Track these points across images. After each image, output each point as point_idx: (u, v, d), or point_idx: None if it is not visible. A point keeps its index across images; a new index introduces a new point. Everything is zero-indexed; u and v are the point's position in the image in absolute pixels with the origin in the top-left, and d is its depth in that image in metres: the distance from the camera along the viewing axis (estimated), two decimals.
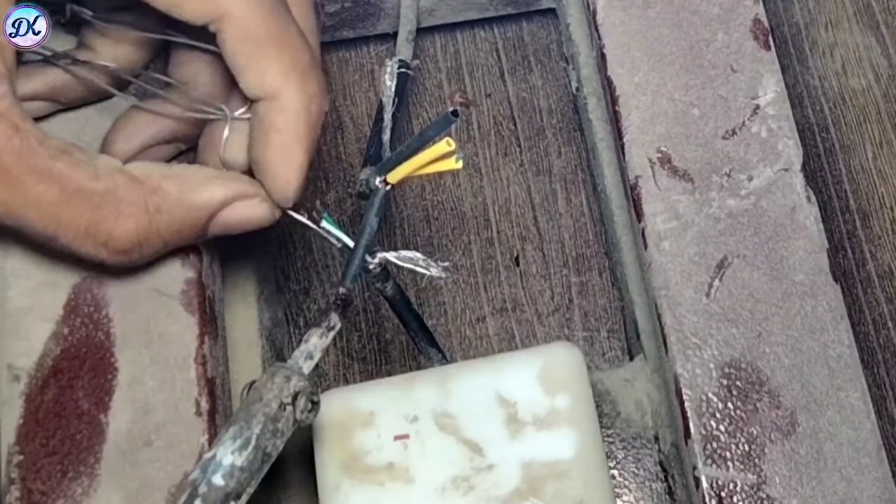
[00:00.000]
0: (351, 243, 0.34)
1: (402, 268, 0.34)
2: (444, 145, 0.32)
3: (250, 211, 0.34)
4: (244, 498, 0.28)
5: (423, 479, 0.34)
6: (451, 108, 0.31)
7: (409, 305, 0.37)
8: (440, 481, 0.34)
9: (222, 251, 0.41)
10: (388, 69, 0.36)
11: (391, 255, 0.34)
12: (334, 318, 0.32)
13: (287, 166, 0.33)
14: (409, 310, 0.37)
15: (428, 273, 0.34)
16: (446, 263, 0.34)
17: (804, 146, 0.40)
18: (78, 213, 0.31)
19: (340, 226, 0.35)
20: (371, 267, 0.34)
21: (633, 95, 0.40)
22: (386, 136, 0.36)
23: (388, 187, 0.34)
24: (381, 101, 0.36)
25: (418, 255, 0.34)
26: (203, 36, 0.33)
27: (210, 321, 0.37)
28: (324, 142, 0.47)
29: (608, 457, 0.40)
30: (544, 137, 0.48)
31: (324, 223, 0.34)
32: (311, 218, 0.35)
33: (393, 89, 0.36)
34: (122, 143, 0.35)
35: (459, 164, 0.33)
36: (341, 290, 0.33)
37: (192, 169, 0.34)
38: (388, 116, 0.36)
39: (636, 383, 0.41)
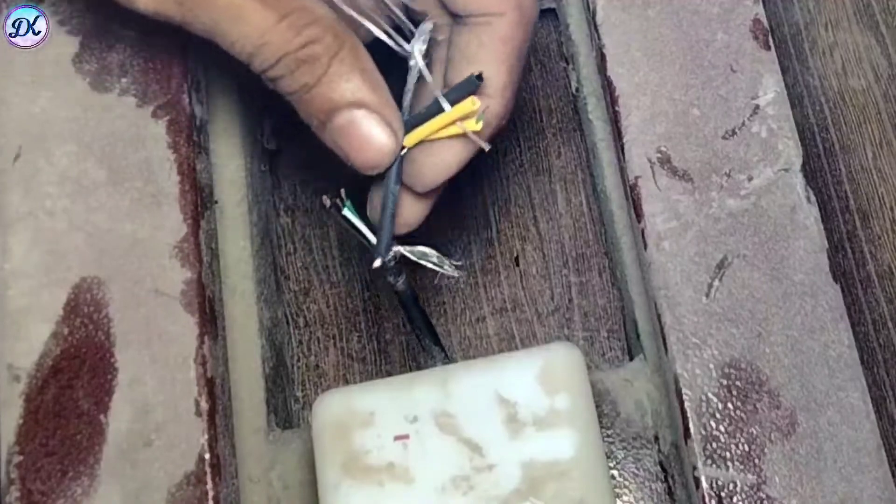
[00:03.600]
0: (371, 237, 0.34)
1: (416, 263, 0.34)
2: (469, 104, 0.32)
3: (368, 125, 0.33)
4: None
5: (423, 479, 0.34)
6: (476, 73, 0.31)
7: (416, 302, 0.37)
8: (440, 481, 0.34)
9: (221, 249, 0.41)
10: (420, 34, 0.34)
11: (405, 249, 0.34)
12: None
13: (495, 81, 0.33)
14: (416, 306, 0.37)
15: (441, 270, 0.34)
16: (459, 262, 0.34)
17: (804, 146, 0.40)
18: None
19: (360, 214, 0.35)
20: (386, 259, 0.34)
21: (633, 95, 0.40)
22: (406, 101, 0.35)
23: (404, 151, 0.33)
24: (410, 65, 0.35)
25: (433, 251, 0.34)
26: None
27: (210, 321, 0.37)
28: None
29: (608, 457, 0.40)
30: (544, 137, 0.48)
31: (345, 211, 0.34)
32: (332, 205, 0.34)
33: (422, 52, 0.34)
34: None
35: (479, 126, 0.32)
36: (377, 262, 0.33)
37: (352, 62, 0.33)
38: (412, 80, 0.34)
39: (636, 383, 0.41)
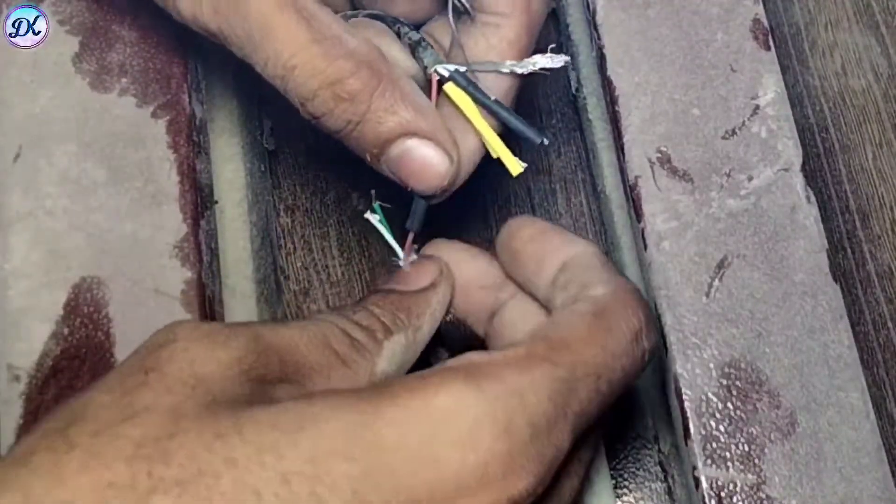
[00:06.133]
0: (395, 245, 0.35)
1: None
2: (514, 163, 0.33)
3: (423, 152, 0.33)
4: None
5: None
6: (545, 139, 0.33)
7: None
8: None
9: (221, 249, 0.41)
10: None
11: None
12: None
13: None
14: None
15: None
16: None
17: (804, 146, 0.40)
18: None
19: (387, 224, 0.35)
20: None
21: (633, 95, 0.40)
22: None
23: (437, 80, 0.33)
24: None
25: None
26: None
27: (210, 321, 0.37)
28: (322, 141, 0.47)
29: (608, 457, 0.40)
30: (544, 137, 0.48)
31: (372, 217, 0.35)
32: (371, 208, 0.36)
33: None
34: None
35: (517, 171, 0.33)
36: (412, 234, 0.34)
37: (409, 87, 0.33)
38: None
39: (636, 382, 0.41)
